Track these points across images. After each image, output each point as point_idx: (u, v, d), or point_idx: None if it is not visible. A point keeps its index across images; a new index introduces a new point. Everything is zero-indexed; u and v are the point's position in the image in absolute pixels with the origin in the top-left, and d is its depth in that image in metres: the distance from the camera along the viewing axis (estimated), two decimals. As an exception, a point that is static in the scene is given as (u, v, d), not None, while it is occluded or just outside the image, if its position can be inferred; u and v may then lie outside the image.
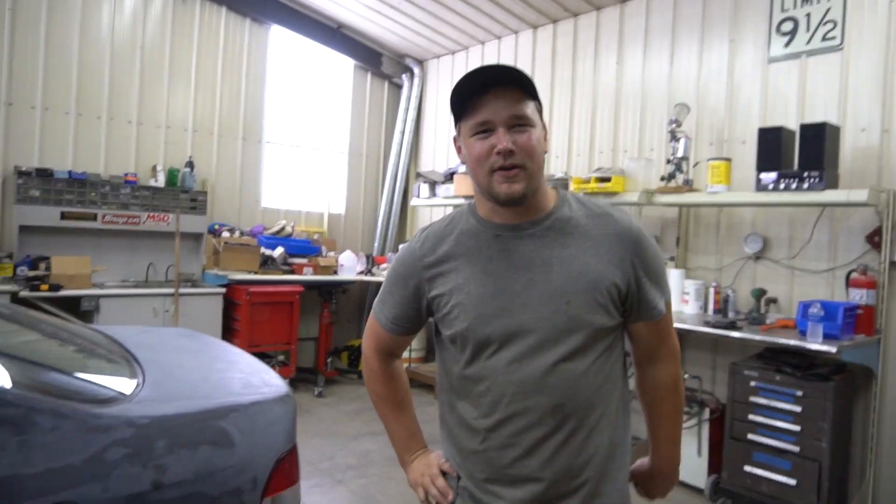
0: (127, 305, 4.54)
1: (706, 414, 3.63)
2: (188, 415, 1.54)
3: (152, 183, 5.06)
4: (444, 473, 1.34)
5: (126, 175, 4.94)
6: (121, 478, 1.33)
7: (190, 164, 5.26)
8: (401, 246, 6.28)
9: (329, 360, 5.68)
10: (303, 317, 5.50)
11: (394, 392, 1.44)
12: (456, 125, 1.25)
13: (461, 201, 5.34)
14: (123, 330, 2.32)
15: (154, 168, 5.13)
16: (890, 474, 3.34)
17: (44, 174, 4.55)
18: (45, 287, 4.23)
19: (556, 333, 1.19)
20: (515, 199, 1.18)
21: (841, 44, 3.62)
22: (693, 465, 3.64)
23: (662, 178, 4.04)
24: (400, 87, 6.71)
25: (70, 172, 4.66)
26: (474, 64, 5.93)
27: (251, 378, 1.89)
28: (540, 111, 1.23)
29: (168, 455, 1.42)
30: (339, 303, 5.96)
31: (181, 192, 5.13)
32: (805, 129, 3.41)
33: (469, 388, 1.26)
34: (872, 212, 3.39)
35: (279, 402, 1.75)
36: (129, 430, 1.40)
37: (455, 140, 1.27)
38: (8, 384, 1.35)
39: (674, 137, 4.00)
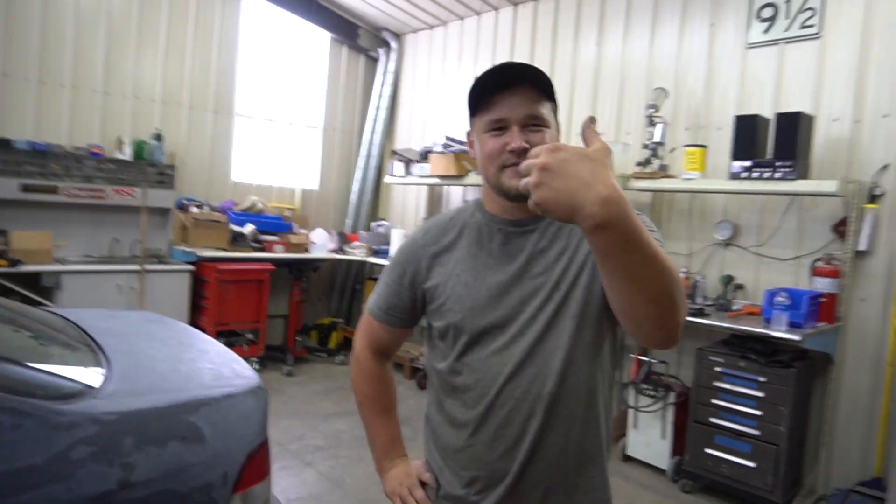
0: (90, 282, 4.41)
1: (671, 398, 3.71)
2: (157, 410, 1.50)
3: (118, 155, 4.89)
4: (423, 484, 1.32)
5: (91, 147, 4.77)
6: (85, 477, 1.29)
7: (158, 137, 5.09)
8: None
9: (299, 338, 5.64)
10: (272, 294, 5.42)
11: (380, 394, 1.43)
12: (470, 120, 1.24)
13: (436, 181, 5.29)
14: (87, 314, 2.24)
15: (120, 140, 4.96)
16: (842, 456, 3.46)
17: (3, 144, 4.35)
18: (3, 262, 4.09)
19: (546, 325, 1.18)
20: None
21: (819, 32, 3.63)
22: (657, 446, 3.73)
23: (638, 164, 4.05)
24: (376, 60, 6.58)
25: (31, 143, 4.47)
26: (453, 39, 5.83)
27: (222, 369, 1.85)
28: (555, 111, 1.22)
29: (136, 452, 1.38)
30: (310, 281, 5.91)
31: (148, 165, 4.97)
32: (780, 117, 3.44)
33: (458, 383, 1.25)
34: (839, 202, 3.45)
35: (251, 395, 1.71)
36: (94, 426, 1.36)
37: (468, 134, 1.27)
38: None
39: (651, 122, 4.00)
